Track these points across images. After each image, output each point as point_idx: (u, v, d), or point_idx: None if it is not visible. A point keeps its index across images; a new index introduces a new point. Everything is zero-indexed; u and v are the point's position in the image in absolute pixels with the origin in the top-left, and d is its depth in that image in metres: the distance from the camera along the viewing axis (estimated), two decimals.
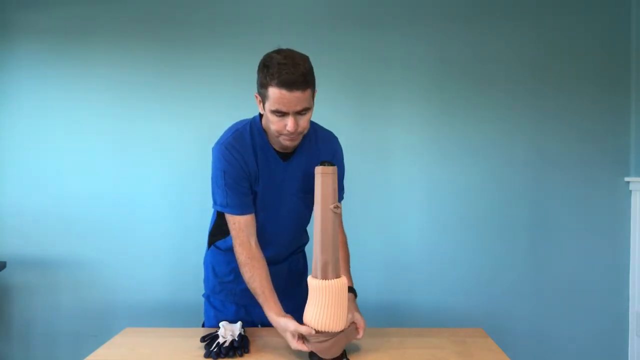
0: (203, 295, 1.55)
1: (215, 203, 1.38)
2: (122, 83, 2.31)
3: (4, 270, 2.21)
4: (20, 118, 2.32)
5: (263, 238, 1.36)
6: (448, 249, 2.31)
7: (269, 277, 1.30)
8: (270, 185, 1.36)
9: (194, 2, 2.31)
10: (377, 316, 2.25)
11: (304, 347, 1.17)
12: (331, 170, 1.20)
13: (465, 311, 2.29)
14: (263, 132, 1.35)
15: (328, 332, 1.17)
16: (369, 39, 2.30)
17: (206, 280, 1.54)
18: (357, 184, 2.24)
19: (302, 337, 1.19)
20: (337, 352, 1.18)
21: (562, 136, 2.29)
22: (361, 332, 1.24)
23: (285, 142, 1.28)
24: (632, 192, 2.27)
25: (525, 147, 2.30)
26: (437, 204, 2.31)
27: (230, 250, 1.42)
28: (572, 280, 2.29)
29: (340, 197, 1.49)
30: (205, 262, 1.55)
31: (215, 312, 1.49)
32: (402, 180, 2.31)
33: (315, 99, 1.27)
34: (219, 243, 1.48)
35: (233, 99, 2.26)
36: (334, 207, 1.20)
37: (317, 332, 1.16)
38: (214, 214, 1.50)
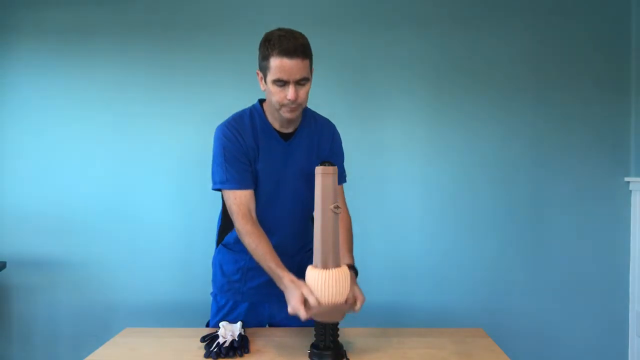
0: (211, 294, 1.56)
1: (214, 183, 1.39)
2: (123, 83, 2.31)
3: (4, 270, 2.20)
4: (20, 118, 2.32)
5: (266, 224, 1.36)
6: (448, 250, 2.31)
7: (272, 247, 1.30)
8: (271, 165, 1.38)
9: (194, 4, 2.31)
10: (377, 316, 2.25)
11: (303, 314, 1.15)
12: (331, 170, 1.21)
13: (465, 311, 2.29)
14: (263, 115, 1.40)
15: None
16: (369, 39, 2.30)
17: (214, 278, 1.55)
18: (356, 183, 2.24)
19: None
20: (336, 318, 1.18)
21: (561, 136, 2.30)
22: (359, 305, 1.23)
23: (286, 115, 1.31)
24: (632, 192, 2.27)
25: (525, 147, 2.30)
26: (437, 204, 2.31)
27: (239, 242, 1.41)
28: (572, 280, 2.29)
29: (343, 179, 1.53)
30: (213, 261, 1.56)
31: (221, 310, 1.50)
32: (402, 180, 2.31)
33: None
34: (228, 237, 1.49)
35: (234, 99, 2.22)
36: (334, 207, 1.20)
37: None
38: (220, 213, 1.51)
